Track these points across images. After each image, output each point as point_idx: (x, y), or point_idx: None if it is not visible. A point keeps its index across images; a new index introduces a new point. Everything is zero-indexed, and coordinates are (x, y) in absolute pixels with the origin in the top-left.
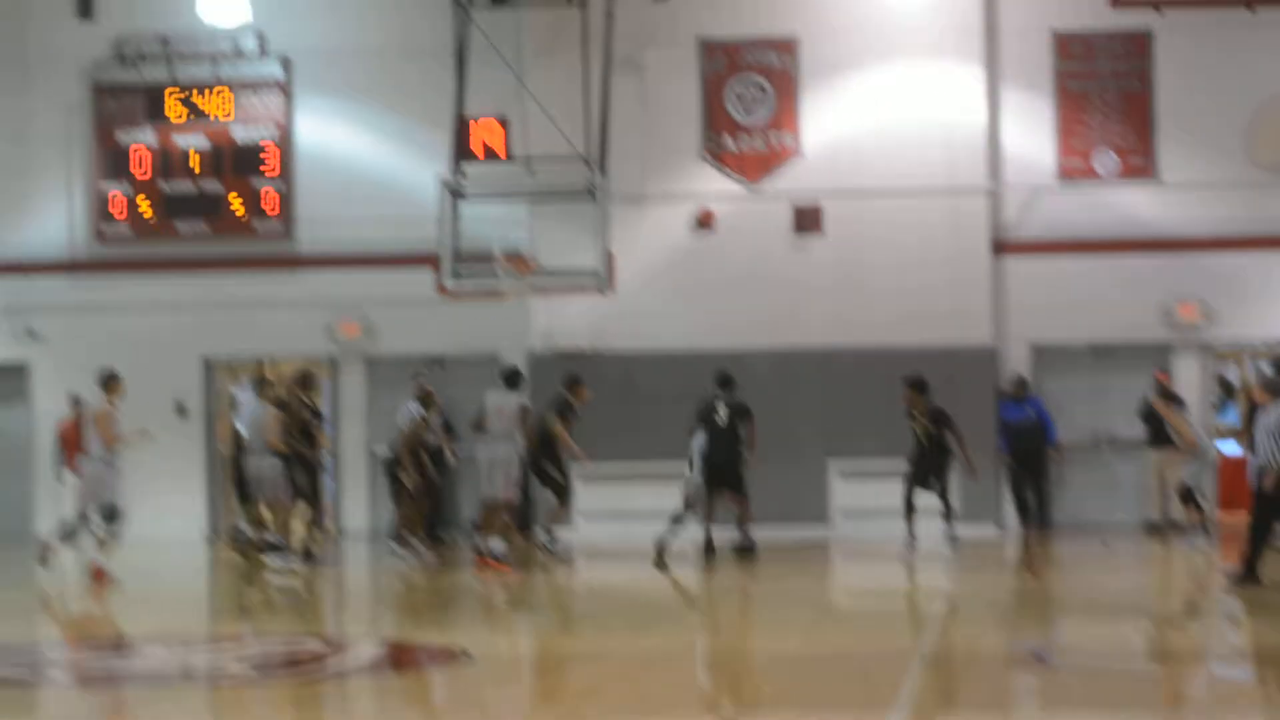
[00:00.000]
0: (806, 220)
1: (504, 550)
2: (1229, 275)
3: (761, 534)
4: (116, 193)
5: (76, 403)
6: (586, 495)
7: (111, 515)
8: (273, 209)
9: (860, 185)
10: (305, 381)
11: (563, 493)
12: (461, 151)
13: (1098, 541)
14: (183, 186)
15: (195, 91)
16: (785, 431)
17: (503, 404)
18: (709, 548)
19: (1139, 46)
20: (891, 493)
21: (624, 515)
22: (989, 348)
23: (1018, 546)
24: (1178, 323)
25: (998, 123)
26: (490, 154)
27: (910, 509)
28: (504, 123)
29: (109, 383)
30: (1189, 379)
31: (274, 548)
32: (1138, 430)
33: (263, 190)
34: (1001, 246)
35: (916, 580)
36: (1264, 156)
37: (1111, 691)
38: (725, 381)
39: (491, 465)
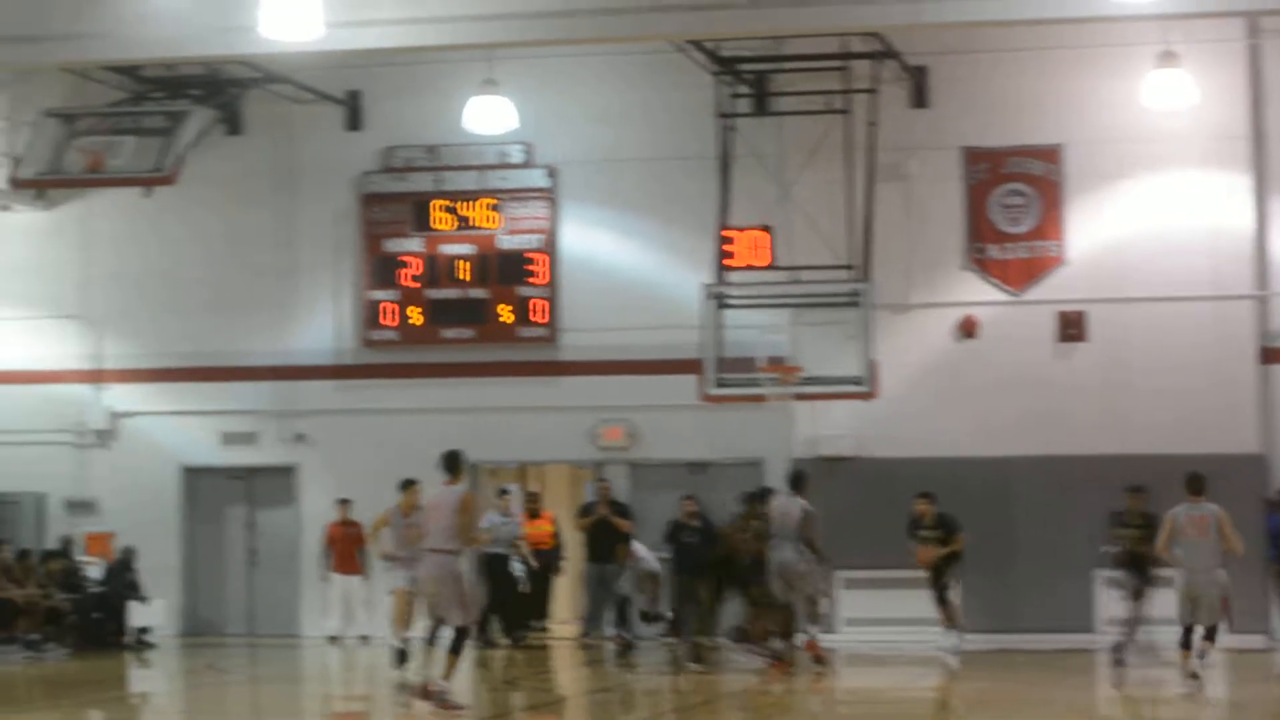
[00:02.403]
0: (1071, 327)
1: (784, 650)
2: None
3: (1023, 641)
4: (384, 299)
5: (342, 505)
6: (850, 601)
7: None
8: (538, 315)
9: (1125, 292)
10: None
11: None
12: (725, 259)
13: None
14: (449, 293)
15: (462, 201)
16: (1050, 538)
17: (788, 508)
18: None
19: None
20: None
21: (885, 622)
22: (1257, 455)
23: None
24: None
25: (1266, 228)
26: (753, 261)
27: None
28: (767, 230)
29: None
30: None
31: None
32: None
33: (528, 297)
34: (1271, 354)
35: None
36: None
37: None
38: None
39: (780, 569)
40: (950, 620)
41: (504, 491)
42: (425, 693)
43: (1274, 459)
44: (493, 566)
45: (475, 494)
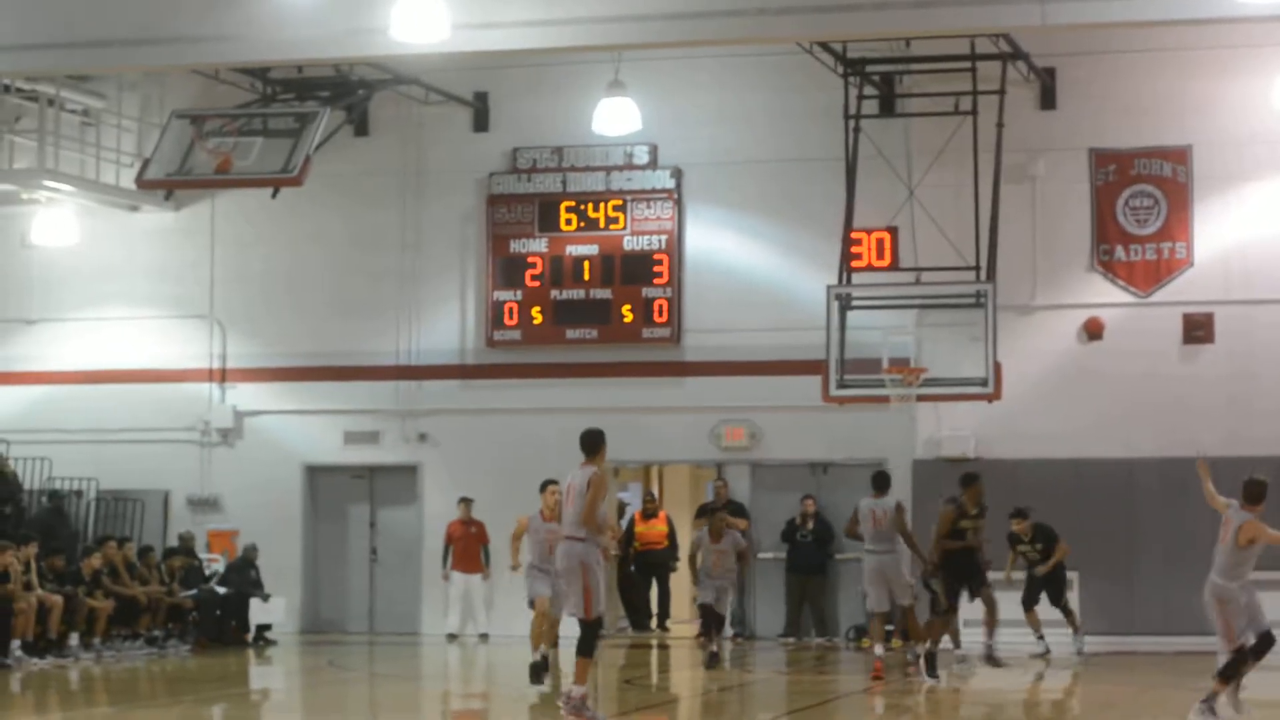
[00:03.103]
0: (1196, 329)
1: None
2: None
3: (1143, 644)
4: (508, 299)
5: (464, 503)
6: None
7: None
8: (661, 316)
9: (1251, 294)
10: None
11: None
12: (850, 260)
13: None
14: (573, 294)
15: (587, 201)
16: (1171, 540)
17: (875, 508)
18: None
19: None
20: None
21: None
22: None
23: None
24: None
25: None
26: (877, 262)
27: None
28: (892, 231)
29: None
30: None
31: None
32: None
33: (652, 297)
34: None
35: None
36: None
37: None
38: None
39: (874, 573)
40: (1073, 624)
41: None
42: (569, 702)
43: None
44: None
45: (606, 476)
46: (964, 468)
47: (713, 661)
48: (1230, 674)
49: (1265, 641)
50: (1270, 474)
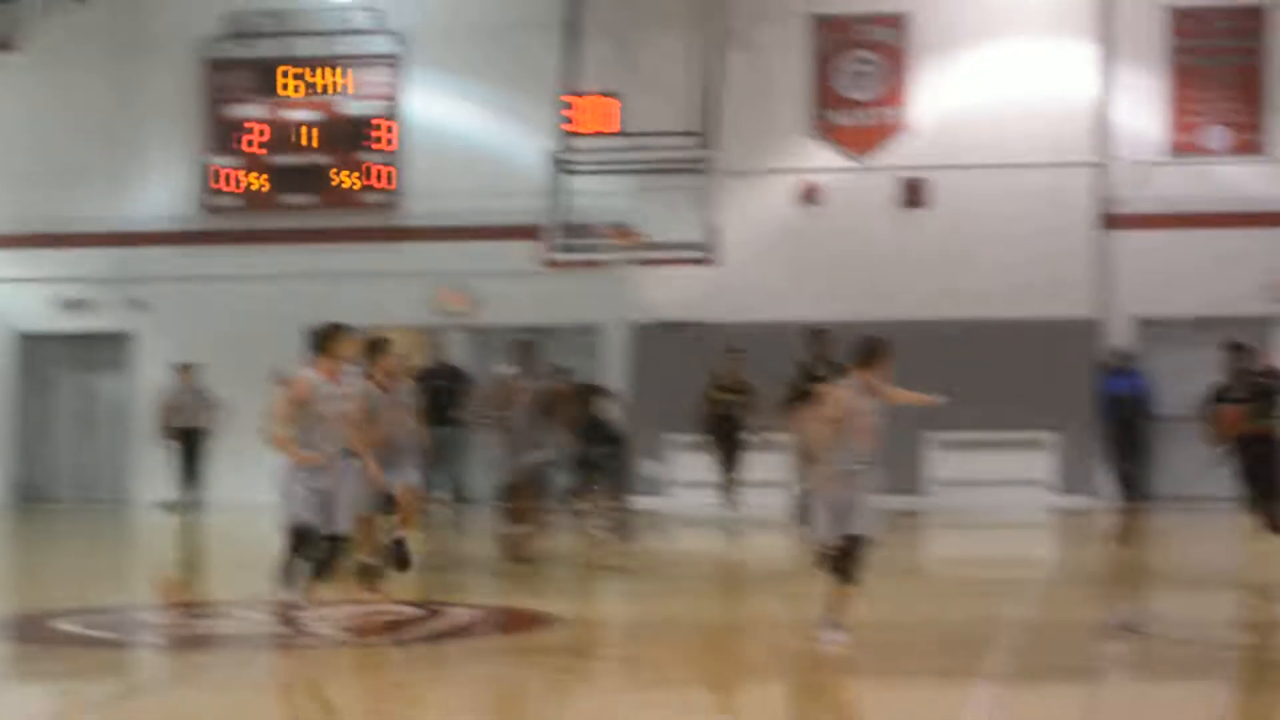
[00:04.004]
0: (913, 194)
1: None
2: None
3: None
4: (226, 165)
5: (185, 369)
6: (685, 465)
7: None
8: (381, 182)
9: (967, 159)
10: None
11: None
12: (570, 126)
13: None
14: (292, 159)
15: (307, 67)
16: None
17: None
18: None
19: (1254, 21)
20: (986, 463)
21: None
22: (1090, 320)
23: (1115, 518)
24: None
25: (1109, 98)
26: (598, 127)
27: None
28: (613, 97)
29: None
30: None
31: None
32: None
33: (372, 164)
34: (1109, 220)
35: (1010, 550)
36: None
37: (1201, 662)
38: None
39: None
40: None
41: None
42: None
43: (1107, 324)
44: None
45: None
46: (680, 332)
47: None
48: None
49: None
50: (984, 336)
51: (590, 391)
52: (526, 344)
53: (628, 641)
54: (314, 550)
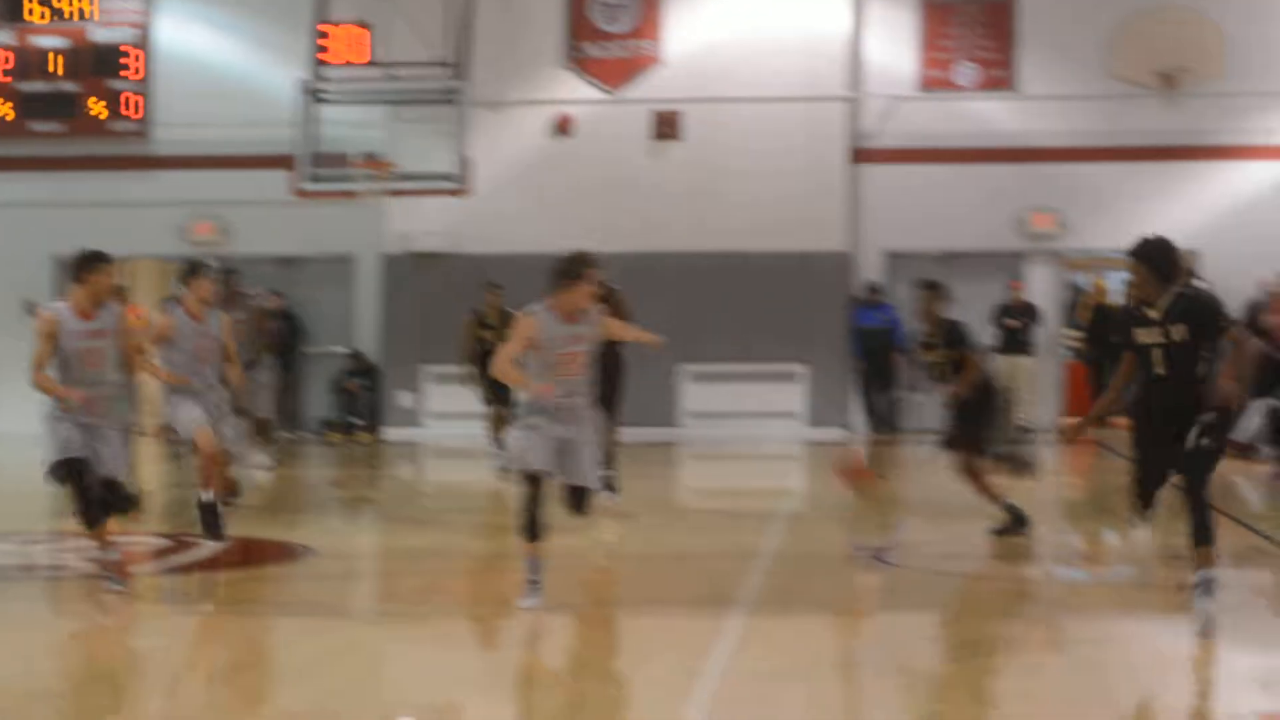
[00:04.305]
0: (665, 126)
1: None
2: (1083, 186)
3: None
4: None
5: None
6: (439, 396)
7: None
8: (130, 110)
9: (720, 92)
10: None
11: None
12: (321, 55)
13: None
14: (39, 86)
15: None
16: None
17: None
18: None
19: None
20: (738, 396)
21: (467, 416)
22: (843, 253)
23: (865, 450)
24: (1031, 232)
25: (860, 32)
26: (351, 57)
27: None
28: (365, 26)
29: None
30: (1041, 288)
31: None
32: (990, 338)
33: (121, 91)
34: (860, 154)
35: (762, 482)
36: (1123, 70)
37: (949, 591)
38: None
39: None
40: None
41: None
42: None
43: (859, 257)
44: None
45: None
46: (434, 262)
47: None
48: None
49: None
50: (738, 269)
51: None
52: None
53: (378, 573)
54: (85, 489)
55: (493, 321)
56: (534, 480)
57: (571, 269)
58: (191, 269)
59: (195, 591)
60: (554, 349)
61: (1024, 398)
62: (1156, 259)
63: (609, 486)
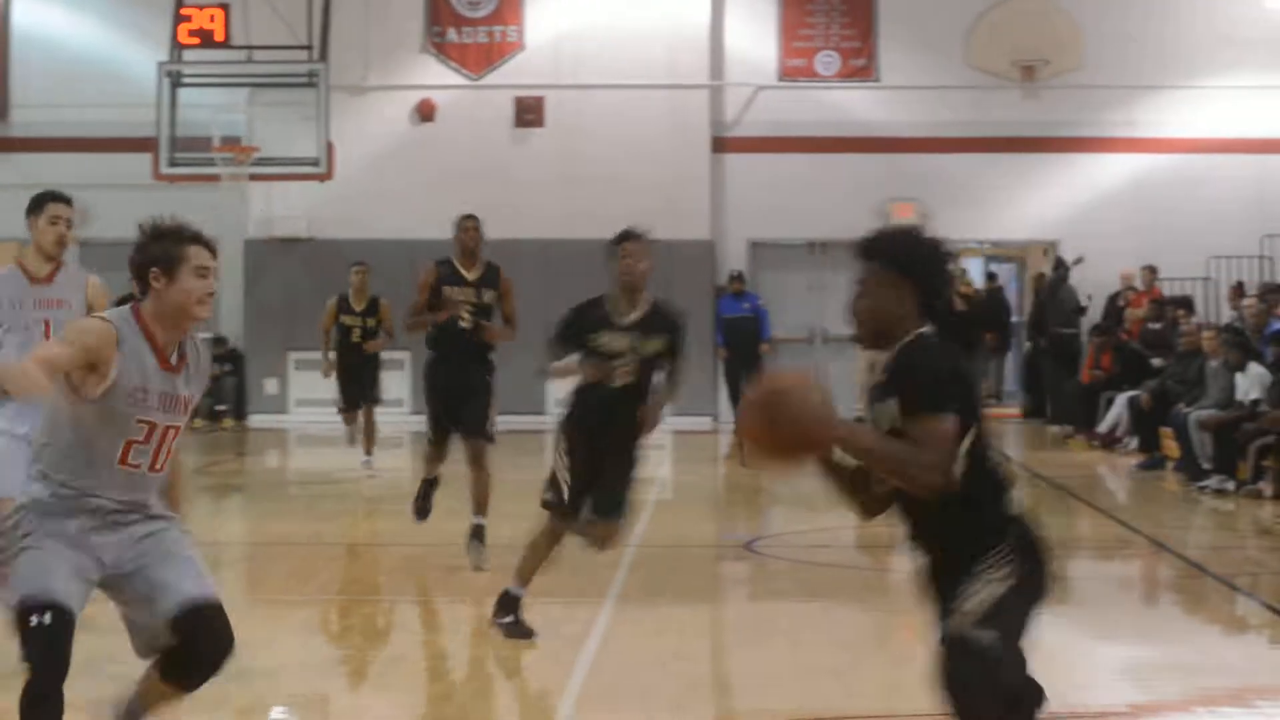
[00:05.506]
0: (527, 113)
1: None
2: (945, 176)
3: None
4: None
5: None
6: (299, 382)
7: None
8: None
9: (582, 79)
10: None
11: None
12: (181, 37)
13: None
14: None
15: None
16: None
17: None
18: None
19: None
20: None
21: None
22: (707, 242)
23: (731, 439)
24: (893, 222)
25: (721, 21)
26: (210, 40)
27: None
28: (225, 8)
29: None
30: None
31: None
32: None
33: None
34: (722, 143)
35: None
36: (982, 60)
37: (817, 581)
38: None
39: None
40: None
41: None
42: None
43: (722, 246)
44: None
45: None
46: (295, 247)
47: None
48: None
49: None
50: (597, 256)
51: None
52: None
53: (242, 560)
54: None
55: (356, 306)
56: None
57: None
58: None
59: None
60: None
61: None
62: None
63: None
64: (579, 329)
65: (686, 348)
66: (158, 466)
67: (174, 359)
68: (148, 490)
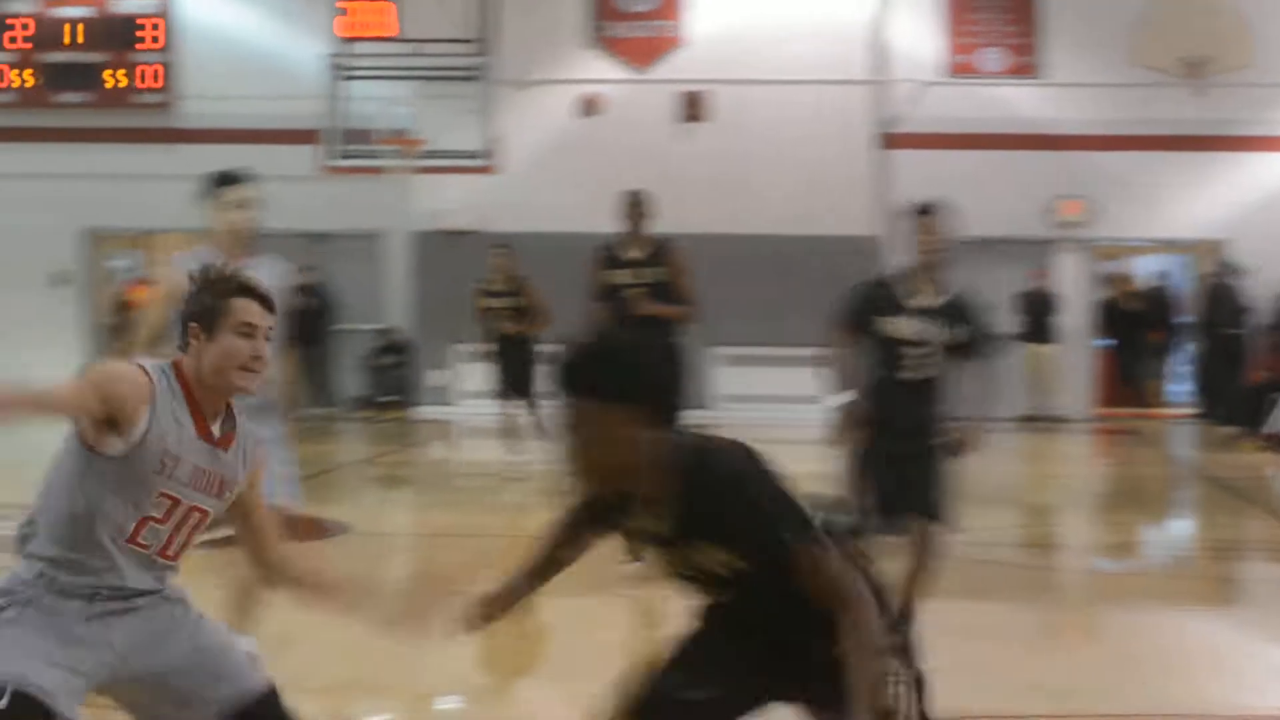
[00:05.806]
0: (692, 107)
1: None
2: (1112, 174)
3: None
4: None
5: None
6: (470, 375)
7: None
8: (154, 82)
9: (747, 74)
10: None
11: None
12: (349, 29)
13: None
14: (63, 57)
15: None
16: None
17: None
18: None
19: None
20: (768, 379)
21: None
22: (870, 237)
23: None
24: (1059, 220)
25: (887, 16)
26: (376, 33)
27: None
28: (390, 1)
29: None
30: (1069, 276)
31: None
32: (1016, 324)
33: (145, 63)
34: (887, 139)
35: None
36: (1148, 58)
37: (984, 578)
38: None
39: None
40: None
41: None
42: None
43: (891, 243)
44: None
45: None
46: (460, 240)
47: None
48: None
49: None
50: (765, 252)
51: None
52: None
53: (413, 551)
54: None
55: (499, 288)
56: None
57: None
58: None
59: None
60: None
61: (1049, 386)
62: None
63: None
64: (868, 312)
65: (993, 348)
66: (170, 554)
67: (217, 430)
68: (157, 577)
